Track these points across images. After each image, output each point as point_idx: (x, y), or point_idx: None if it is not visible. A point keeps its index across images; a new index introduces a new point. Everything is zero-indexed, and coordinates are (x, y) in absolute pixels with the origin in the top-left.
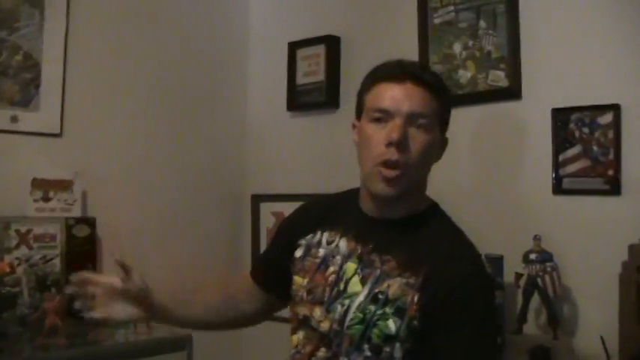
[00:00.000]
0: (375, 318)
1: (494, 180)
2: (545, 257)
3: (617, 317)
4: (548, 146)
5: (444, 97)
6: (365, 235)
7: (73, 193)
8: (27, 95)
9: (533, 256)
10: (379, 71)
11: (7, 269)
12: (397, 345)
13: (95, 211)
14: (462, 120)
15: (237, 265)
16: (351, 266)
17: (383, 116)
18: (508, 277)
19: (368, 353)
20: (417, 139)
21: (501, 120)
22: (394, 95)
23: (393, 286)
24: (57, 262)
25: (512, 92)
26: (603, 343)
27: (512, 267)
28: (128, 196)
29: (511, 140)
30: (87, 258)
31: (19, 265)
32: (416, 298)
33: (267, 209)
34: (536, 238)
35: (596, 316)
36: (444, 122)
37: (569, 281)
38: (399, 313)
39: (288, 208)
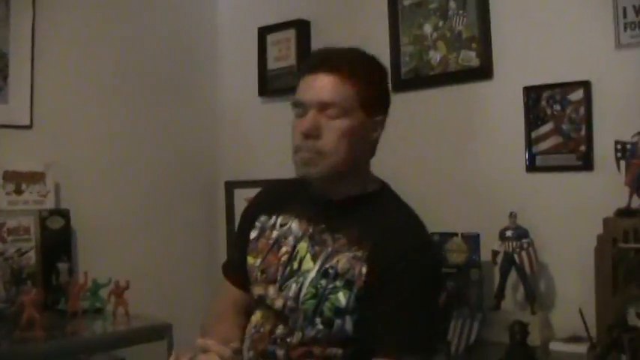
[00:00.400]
0: (327, 292)
1: (468, 159)
2: (521, 233)
3: (593, 290)
4: (521, 124)
5: (363, 79)
6: (317, 216)
7: (45, 185)
8: None
9: (509, 233)
10: (303, 64)
11: None
12: (347, 317)
13: (69, 202)
14: (434, 101)
15: (213, 251)
16: (303, 246)
17: (301, 109)
18: (485, 254)
19: (320, 327)
20: (332, 127)
21: (473, 100)
22: (306, 87)
23: (342, 260)
24: (32, 254)
25: (483, 72)
26: (582, 315)
27: (489, 244)
28: (102, 187)
29: (483, 120)
30: (62, 250)
31: None
32: (363, 270)
33: (241, 195)
34: (512, 215)
35: (572, 290)
36: (368, 104)
37: (546, 257)
38: (348, 285)
39: None
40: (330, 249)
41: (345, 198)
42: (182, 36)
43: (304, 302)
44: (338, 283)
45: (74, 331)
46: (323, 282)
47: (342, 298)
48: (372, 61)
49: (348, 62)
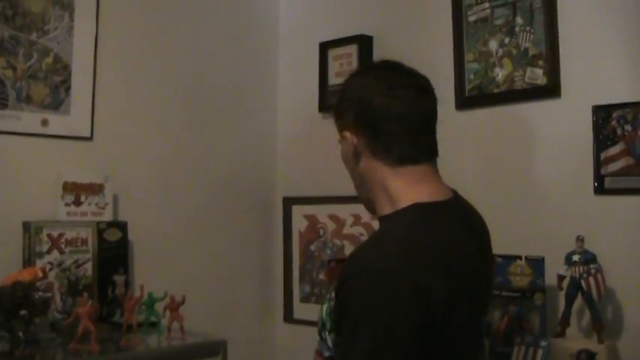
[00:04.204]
0: (323, 301)
1: (534, 180)
2: (589, 258)
3: None
4: (589, 145)
5: (337, 108)
6: None
7: (104, 197)
8: (57, 98)
9: (576, 258)
10: None
11: (40, 274)
12: (327, 333)
13: (126, 214)
14: (499, 119)
15: (269, 268)
16: None
17: None
18: (549, 279)
19: (318, 337)
20: None
21: (540, 119)
22: None
23: None
24: (89, 266)
25: (550, 90)
26: None
27: (554, 268)
28: (159, 200)
29: (550, 139)
30: (119, 262)
31: (51, 269)
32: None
33: (299, 212)
34: (579, 239)
35: None
36: (342, 128)
37: (613, 283)
38: (329, 298)
39: (320, 211)
40: None
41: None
42: (242, 50)
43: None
44: (328, 295)
45: (129, 345)
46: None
47: (324, 309)
48: (345, 84)
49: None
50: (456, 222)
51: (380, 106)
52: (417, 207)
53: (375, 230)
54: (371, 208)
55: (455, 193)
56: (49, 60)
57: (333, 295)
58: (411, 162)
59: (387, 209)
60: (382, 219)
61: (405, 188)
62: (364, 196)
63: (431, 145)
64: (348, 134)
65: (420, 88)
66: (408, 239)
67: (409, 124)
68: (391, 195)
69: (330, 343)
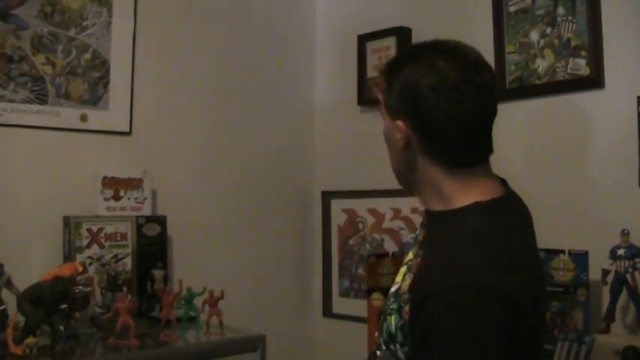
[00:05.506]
0: (387, 312)
1: (576, 173)
2: (634, 252)
3: None
4: (634, 136)
5: (387, 77)
6: (427, 225)
7: (143, 192)
8: (96, 94)
9: (621, 252)
10: None
11: (80, 269)
12: (397, 346)
13: (165, 209)
14: (541, 111)
15: (307, 262)
16: (409, 255)
17: None
18: (593, 273)
19: (383, 347)
20: None
21: (582, 110)
22: None
23: (407, 281)
24: (128, 261)
25: (593, 81)
26: None
27: (598, 263)
28: (197, 194)
29: (593, 131)
30: (158, 257)
31: (90, 264)
32: (409, 300)
33: (338, 206)
34: (624, 233)
35: None
36: (387, 104)
37: None
38: (398, 309)
39: (359, 205)
40: (413, 265)
41: (435, 210)
42: (280, 44)
43: (380, 318)
44: (394, 305)
45: (167, 340)
46: (392, 299)
47: (392, 321)
48: (407, 57)
49: (389, 62)
50: (516, 217)
51: (437, 109)
52: (479, 206)
53: (440, 232)
54: (406, 185)
55: (506, 185)
56: (88, 56)
57: (407, 308)
58: (468, 165)
59: (437, 205)
60: (440, 216)
61: (460, 189)
62: (406, 181)
63: (487, 145)
64: (401, 124)
65: (481, 83)
66: (488, 245)
67: (468, 129)
68: (444, 195)
69: (401, 355)
